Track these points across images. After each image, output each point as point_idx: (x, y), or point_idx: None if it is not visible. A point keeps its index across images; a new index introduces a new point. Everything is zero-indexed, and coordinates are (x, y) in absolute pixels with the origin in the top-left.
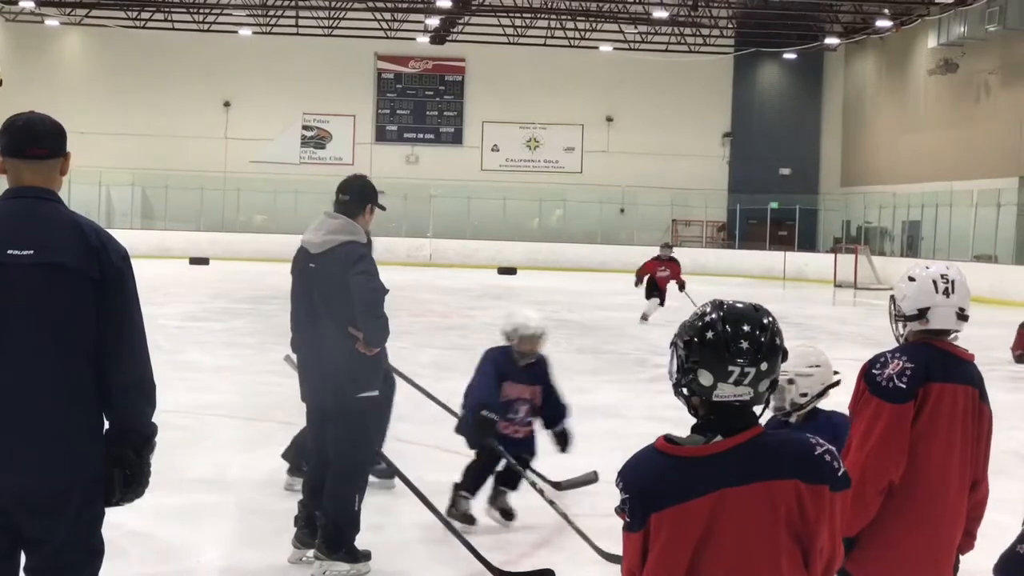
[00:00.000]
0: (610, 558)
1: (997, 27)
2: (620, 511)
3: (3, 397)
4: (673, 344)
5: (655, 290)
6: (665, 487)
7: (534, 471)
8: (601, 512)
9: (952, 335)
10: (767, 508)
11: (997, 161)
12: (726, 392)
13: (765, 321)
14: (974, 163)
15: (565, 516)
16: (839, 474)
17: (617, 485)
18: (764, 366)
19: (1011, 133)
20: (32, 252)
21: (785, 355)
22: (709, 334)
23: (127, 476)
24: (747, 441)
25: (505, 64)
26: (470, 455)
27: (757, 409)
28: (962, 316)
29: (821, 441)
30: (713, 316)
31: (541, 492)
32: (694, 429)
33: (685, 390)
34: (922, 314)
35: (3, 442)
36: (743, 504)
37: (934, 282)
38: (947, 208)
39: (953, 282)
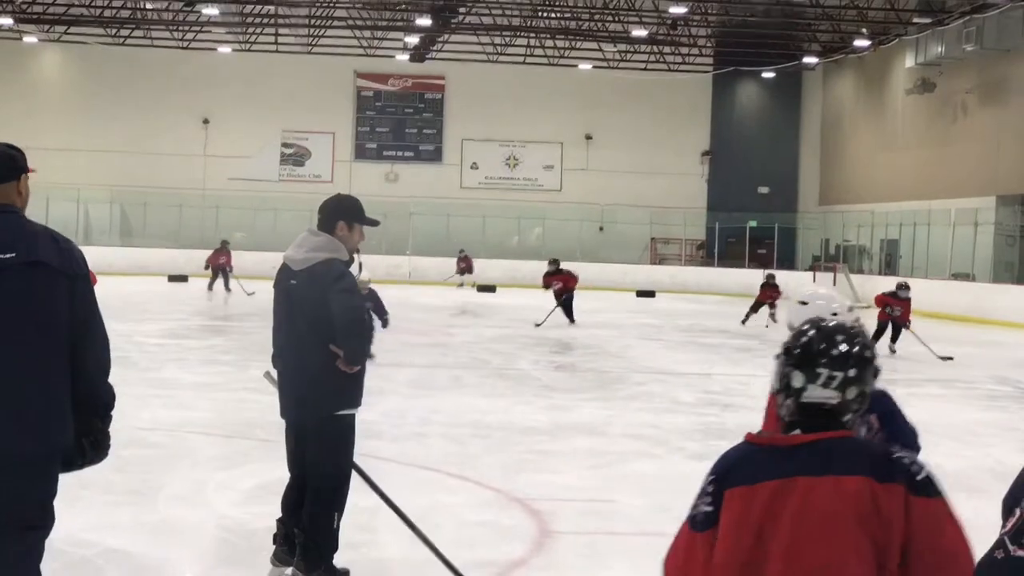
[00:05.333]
0: None
1: (974, 47)
2: (694, 507)
3: None
4: (776, 356)
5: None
6: (741, 468)
7: None
8: (582, 530)
9: None
10: (835, 502)
11: (974, 180)
12: (815, 394)
13: (855, 333)
14: (952, 182)
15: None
16: (918, 477)
17: (707, 477)
18: (852, 372)
19: (988, 152)
20: (14, 255)
21: (877, 372)
22: (803, 339)
23: (94, 442)
24: (826, 439)
25: (485, 82)
26: (448, 473)
27: (847, 419)
28: None
29: (905, 451)
30: (808, 328)
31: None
32: (783, 430)
33: (781, 396)
34: None
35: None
36: (809, 494)
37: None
38: (925, 227)
39: None
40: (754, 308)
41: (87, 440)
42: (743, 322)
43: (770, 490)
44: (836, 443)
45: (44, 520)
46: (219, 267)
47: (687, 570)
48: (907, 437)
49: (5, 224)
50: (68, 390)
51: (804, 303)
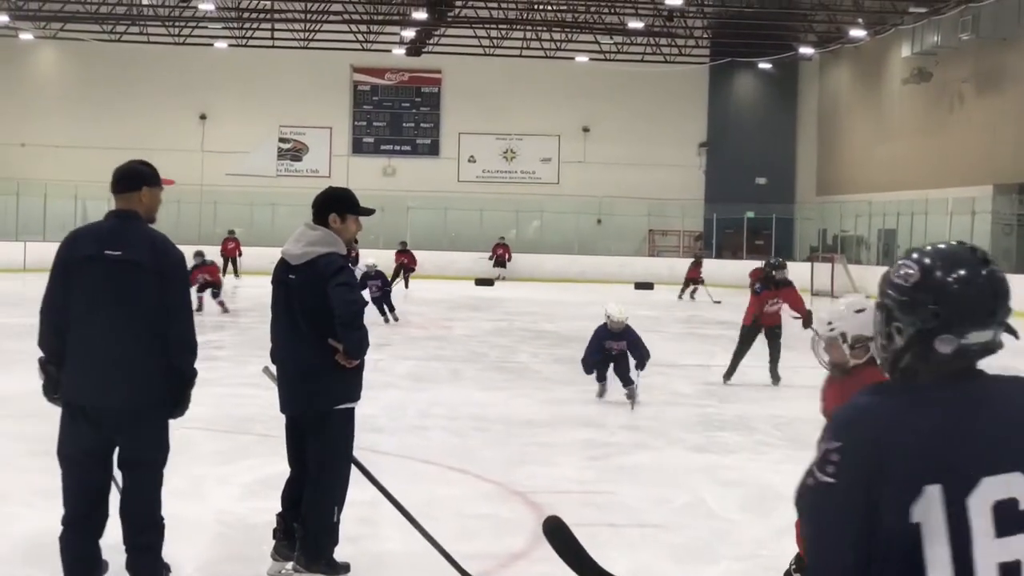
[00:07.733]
0: None
1: (970, 36)
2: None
3: (101, 348)
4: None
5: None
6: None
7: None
8: (582, 522)
9: None
10: None
11: (971, 169)
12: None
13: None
14: (948, 171)
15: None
16: None
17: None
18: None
19: (985, 141)
20: (120, 253)
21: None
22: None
23: (175, 400)
24: None
25: (481, 75)
26: (448, 466)
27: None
28: None
29: None
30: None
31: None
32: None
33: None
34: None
35: (104, 378)
36: None
37: None
38: (922, 216)
39: None
40: (685, 285)
41: (171, 398)
42: (679, 297)
43: None
44: None
45: (156, 456)
46: (226, 254)
47: None
48: (646, 355)
49: (121, 227)
50: (157, 359)
51: (861, 310)
